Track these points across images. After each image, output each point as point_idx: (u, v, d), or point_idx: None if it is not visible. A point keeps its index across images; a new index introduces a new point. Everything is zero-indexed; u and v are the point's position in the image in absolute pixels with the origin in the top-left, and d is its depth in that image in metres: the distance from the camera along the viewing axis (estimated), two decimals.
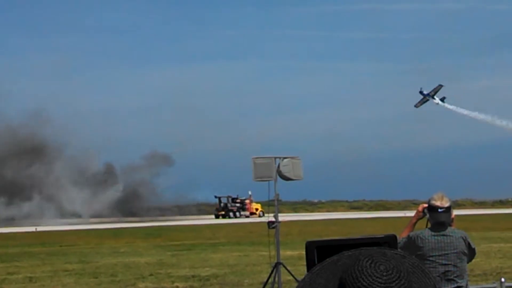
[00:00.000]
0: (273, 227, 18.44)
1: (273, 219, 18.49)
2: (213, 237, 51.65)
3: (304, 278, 2.24)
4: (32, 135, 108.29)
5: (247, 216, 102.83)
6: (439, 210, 8.45)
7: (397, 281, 2.03)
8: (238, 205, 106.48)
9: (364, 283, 2.03)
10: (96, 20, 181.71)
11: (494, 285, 10.91)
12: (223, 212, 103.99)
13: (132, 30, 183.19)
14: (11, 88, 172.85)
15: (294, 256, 31.10)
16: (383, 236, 2.40)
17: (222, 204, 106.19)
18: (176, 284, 23.90)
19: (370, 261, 2.06)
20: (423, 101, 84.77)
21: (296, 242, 41.12)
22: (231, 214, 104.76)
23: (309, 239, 2.42)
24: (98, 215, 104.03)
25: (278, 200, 18.81)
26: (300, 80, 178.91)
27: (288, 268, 18.70)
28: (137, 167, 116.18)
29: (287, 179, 18.83)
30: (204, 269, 28.49)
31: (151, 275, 26.92)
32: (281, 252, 19.95)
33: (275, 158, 18.72)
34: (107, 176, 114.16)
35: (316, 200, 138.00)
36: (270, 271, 18.50)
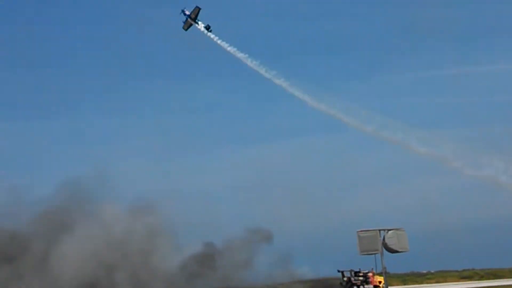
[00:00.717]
0: None
1: None
2: None
3: None
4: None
5: None
6: None
7: None
8: (361, 278, 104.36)
9: None
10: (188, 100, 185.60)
11: None
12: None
13: (222, 108, 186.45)
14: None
15: None
16: None
17: (345, 278, 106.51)
18: None
19: None
20: (188, 25, 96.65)
21: None
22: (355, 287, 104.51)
23: None
24: None
25: (385, 272, 18.71)
26: (393, 149, 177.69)
27: None
28: (237, 245, 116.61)
29: (393, 251, 18.81)
30: None
31: None
32: None
33: (380, 230, 18.77)
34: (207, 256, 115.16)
35: (425, 271, 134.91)
36: None
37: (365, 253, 16.23)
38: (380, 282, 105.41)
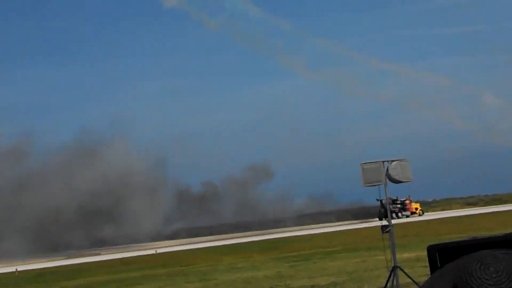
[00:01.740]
0: (387, 231, 18.38)
1: (387, 223, 18.43)
2: (329, 245, 51.58)
3: (424, 284, 2.29)
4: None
5: (407, 216, 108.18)
6: None
7: (507, 282, 2.08)
8: (399, 206, 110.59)
9: (474, 286, 2.10)
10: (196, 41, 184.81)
11: None
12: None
13: (224, 51, 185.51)
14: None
15: (412, 258, 30.77)
16: (504, 234, 2.35)
17: (383, 206, 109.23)
18: None
19: (479, 264, 2.10)
20: None
21: (413, 243, 40.66)
22: (393, 215, 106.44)
23: (430, 243, 2.29)
24: (208, 233, 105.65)
25: (389, 203, 18.72)
26: (395, 80, 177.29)
27: (406, 270, 18.59)
28: (239, 181, 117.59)
29: (396, 181, 18.75)
30: (322, 278, 28.51)
31: None
32: (398, 255, 19.82)
33: (383, 161, 18.67)
34: (210, 193, 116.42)
35: (430, 200, 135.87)
36: (388, 276, 18.43)
37: (369, 184, 16.27)
38: (416, 208, 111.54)
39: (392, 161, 18.64)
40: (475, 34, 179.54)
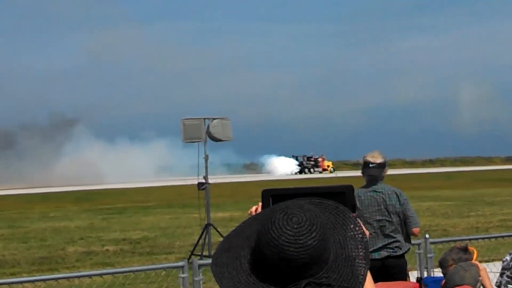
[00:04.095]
0: (203, 189, 18.37)
1: (203, 181, 18.40)
2: (144, 200, 51.43)
3: (239, 225, 2.22)
4: None
5: (320, 172, 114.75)
6: (370, 165, 8.65)
7: (307, 234, 1.99)
8: (312, 162, 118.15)
9: (274, 235, 2.00)
10: None
11: (419, 241, 11.09)
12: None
13: None
14: None
15: (226, 217, 31.22)
16: (340, 185, 2.36)
17: (298, 162, 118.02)
18: (106, 247, 23.72)
19: (283, 214, 2.03)
20: None
21: (228, 204, 41.27)
22: (306, 170, 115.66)
23: (265, 188, 2.40)
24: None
25: (207, 160, 18.69)
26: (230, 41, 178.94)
27: (219, 229, 18.71)
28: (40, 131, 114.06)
29: (217, 140, 18.77)
30: (135, 232, 28.36)
31: (81, 239, 26.68)
32: (212, 214, 19.93)
33: (204, 119, 18.62)
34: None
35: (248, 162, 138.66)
36: (200, 233, 18.48)
37: (189, 140, 16.21)
38: (328, 166, 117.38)
39: (214, 119, 18.62)
40: None
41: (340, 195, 2.30)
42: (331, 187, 2.36)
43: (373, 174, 8.74)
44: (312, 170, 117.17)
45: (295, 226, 1.99)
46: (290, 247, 1.97)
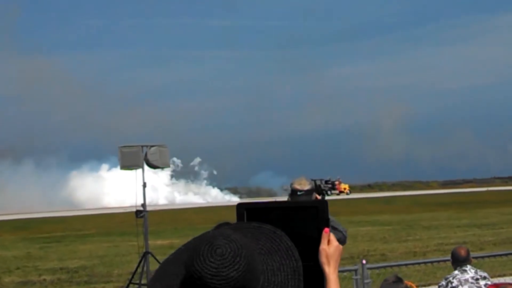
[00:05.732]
0: (141, 216, 18.20)
1: (141, 208, 18.25)
2: (82, 228, 50.77)
3: (173, 253, 2.22)
4: None
5: (337, 194, 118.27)
6: (298, 193, 8.66)
7: (230, 266, 1.99)
8: (329, 185, 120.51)
9: (198, 268, 2.00)
10: None
11: (356, 267, 11.15)
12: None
13: None
14: None
15: (165, 245, 31.01)
16: (313, 200, 2.40)
17: (316, 186, 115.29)
18: (43, 277, 23.36)
19: (208, 245, 2.03)
20: None
21: (167, 230, 41.02)
22: (324, 193, 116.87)
23: (240, 202, 2.42)
24: None
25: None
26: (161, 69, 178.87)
27: (158, 257, 18.56)
28: None
29: (154, 167, 18.68)
30: (72, 261, 27.99)
31: (17, 268, 26.25)
32: (151, 242, 19.81)
33: (142, 146, 18.52)
34: None
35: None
36: (138, 261, 18.30)
37: (126, 168, 16.12)
38: (344, 188, 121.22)
39: (152, 146, 18.53)
40: None
41: (313, 209, 2.34)
42: (305, 201, 2.42)
43: None
44: (329, 192, 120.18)
45: (219, 258, 1.99)
46: (212, 280, 1.98)
